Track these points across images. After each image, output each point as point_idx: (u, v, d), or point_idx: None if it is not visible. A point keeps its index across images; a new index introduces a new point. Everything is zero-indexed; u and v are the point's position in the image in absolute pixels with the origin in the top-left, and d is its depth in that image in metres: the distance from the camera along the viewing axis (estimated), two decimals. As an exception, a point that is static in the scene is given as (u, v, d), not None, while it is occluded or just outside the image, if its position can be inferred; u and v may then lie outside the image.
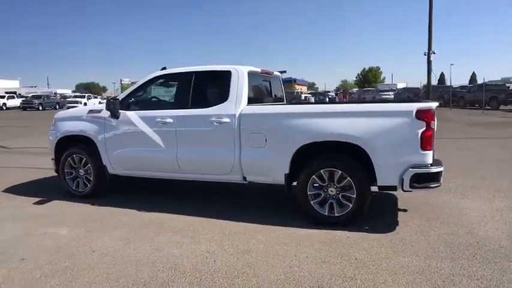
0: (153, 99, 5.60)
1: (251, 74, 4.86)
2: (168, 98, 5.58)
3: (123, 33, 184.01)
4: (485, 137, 12.27)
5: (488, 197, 5.28)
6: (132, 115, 5.09)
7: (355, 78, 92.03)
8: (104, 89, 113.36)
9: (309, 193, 4.29)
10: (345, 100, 43.02)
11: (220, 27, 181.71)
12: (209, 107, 4.74)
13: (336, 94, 54.02)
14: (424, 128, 3.86)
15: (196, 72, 4.96)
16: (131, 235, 4.12)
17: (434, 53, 24.05)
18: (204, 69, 4.99)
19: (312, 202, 4.29)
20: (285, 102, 6.13)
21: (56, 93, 57.43)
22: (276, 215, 4.64)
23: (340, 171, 4.15)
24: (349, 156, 4.19)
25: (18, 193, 5.96)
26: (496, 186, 5.77)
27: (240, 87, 4.65)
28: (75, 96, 43.27)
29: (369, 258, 3.44)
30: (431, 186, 3.96)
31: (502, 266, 3.22)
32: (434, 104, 3.96)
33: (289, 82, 75.69)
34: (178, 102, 4.99)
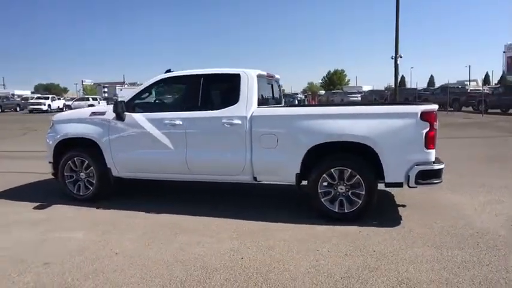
0: (159, 101, 5.61)
1: (259, 77, 5.01)
2: (173, 100, 5.62)
3: (83, 31, 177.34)
4: (453, 137, 13.04)
5: (474, 192, 5.71)
6: (139, 117, 5.10)
7: (321, 81, 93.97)
8: (65, 90, 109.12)
9: (319, 191, 4.49)
10: (313, 102, 43.84)
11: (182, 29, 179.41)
12: (219, 109, 4.84)
13: (305, 96, 54.93)
14: (428, 129, 4.18)
15: (204, 75, 5.04)
16: (149, 236, 4.15)
17: (401, 57, 25.14)
18: (212, 72, 5.08)
19: (322, 199, 4.50)
20: (283, 104, 6.32)
21: (13, 95, 54.71)
22: (286, 213, 4.82)
23: (350, 170, 4.38)
24: (358, 155, 4.43)
25: (12, 198, 5.77)
26: (477, 182, 6.24)
27: (250, 90, 4.79)
28: (38, 98, 41.38)
29: (385, 250, 3.69)
30: (434, 182, 4.28)
31: (504, 253, 3.56)
32: (436, 106, 4.29)
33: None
34: (187, 105, 5.05)
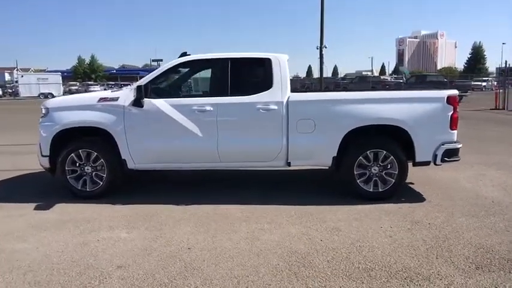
0: (180, 86, 5.22)
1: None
2: (198, 85, 5.29)
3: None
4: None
5: (457, 168, 6.38)
6: (161, 103, 4.71)
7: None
8: None
9: (355, 173, 4.70)
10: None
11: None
12: (251, 94, 4.72)
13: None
14: (452, 111, 4.64)
15: (232, 59, 4.84)
16: (205, 229, 3.93)
17: (325, 47, 26.69)
18: (240, 56, 4.90)
19: (358, 181, 4.72)
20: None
21: None
22: (318, 196, 4.94)
23: (384, 152, 4.66)
24: (391, 137, 4.73)
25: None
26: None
27: (283, 75, 4.76)
28: None
29: (436, 221, 4.06)
30: (456, 159, 4.78)
31: (528, 216, 4.19)
32: (457, 92, 4.78)
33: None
34: (215, 90, 4.81)
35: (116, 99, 4.77)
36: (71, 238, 3.72)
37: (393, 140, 4.74)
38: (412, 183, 5.59)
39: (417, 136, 4.62)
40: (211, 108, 4.67)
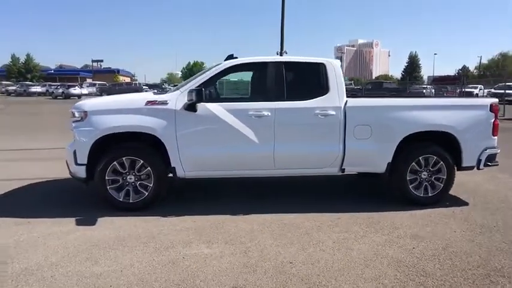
0: (233, 90, 4.92)
1: None
2: (252, 89, 5.03)
3: None
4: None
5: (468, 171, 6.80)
6: (216, 107, 4.42)
7: (180, 72, 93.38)
8: None
9: (408, 179, 4.78)
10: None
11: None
12: (308, 99, 4.61)
13: (175, 85, 53.67)
14: (494, 119, 4.91)
15: (285, 63, 4.70)
16: (288, 240, 3.74)
17: (286, 53, 27.15)
18: (294, 60, 4.78)
19: (410, 186, 4.80)
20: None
21: None
22: (373, 202, 4.94)
23: (435, 157, 4.79)
24: (440, 144, 4.87)
25: (22, 214, 4.26)
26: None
27: (339, 80, 4.71)
28: None
29: (498, 224, 4.24)
30: (495, 164, 5.05)
31: None
32: (497, 100, 5.07)
33: (112, 72, 71.04)
34: (271, 94, 4.62)
35: (166, 102, 4.39)
36: (150, 257, 3.34)
37: (442, 146, 4.89)
38: (441, 187, 5.80)
39: (465, 142, 4.81)
40: (269, 113, 4.48)
